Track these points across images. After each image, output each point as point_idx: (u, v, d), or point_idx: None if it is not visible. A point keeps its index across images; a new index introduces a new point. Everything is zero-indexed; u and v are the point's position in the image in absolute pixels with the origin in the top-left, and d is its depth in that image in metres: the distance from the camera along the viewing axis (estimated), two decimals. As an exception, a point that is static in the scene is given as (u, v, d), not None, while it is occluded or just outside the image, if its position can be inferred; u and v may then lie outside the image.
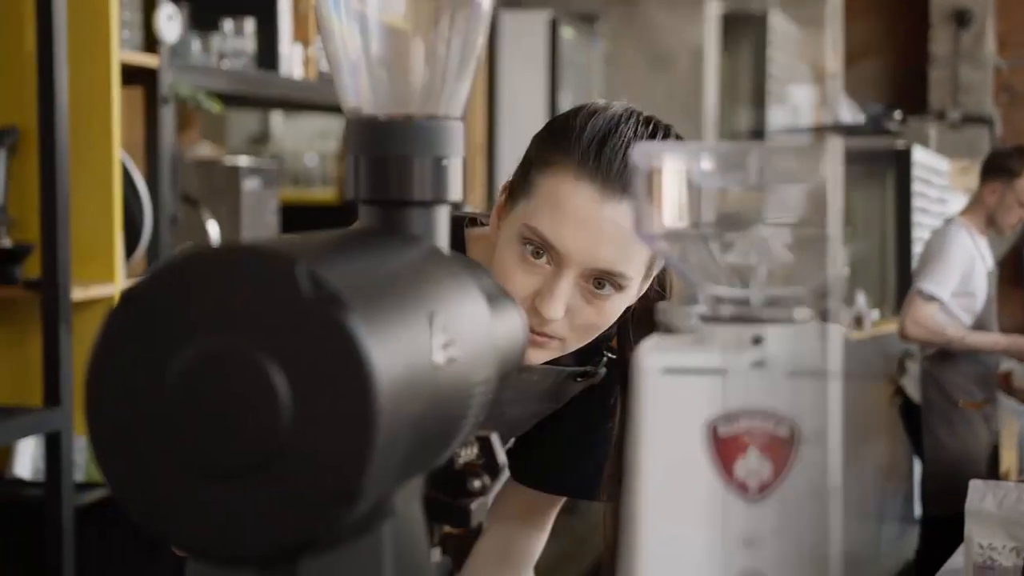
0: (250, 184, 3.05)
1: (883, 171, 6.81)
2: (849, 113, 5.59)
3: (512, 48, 5.17)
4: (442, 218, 0.84)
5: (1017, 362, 4.77)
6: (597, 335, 1.31)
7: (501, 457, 0.98)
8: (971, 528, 1.96)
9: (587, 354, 1.41)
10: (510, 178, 1.33)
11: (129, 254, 2.61)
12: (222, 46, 3.00)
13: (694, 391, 0.70)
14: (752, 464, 0.69)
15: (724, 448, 0.69)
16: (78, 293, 2.41)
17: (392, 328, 0.65)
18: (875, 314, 6.24)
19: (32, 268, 2.39)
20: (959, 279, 4.29)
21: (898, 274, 7.02)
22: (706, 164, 0.73)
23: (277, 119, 5.13)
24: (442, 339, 0.71)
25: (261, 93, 3.14)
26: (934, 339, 4.30)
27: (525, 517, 1.51)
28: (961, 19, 9.15)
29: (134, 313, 0.64)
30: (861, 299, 6.27)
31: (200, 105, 2.73)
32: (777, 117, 5.44)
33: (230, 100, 3.20)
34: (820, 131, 5.22)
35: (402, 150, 0.82)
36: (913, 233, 6.96)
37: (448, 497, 0.89)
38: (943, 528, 4.20)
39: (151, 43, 2.66)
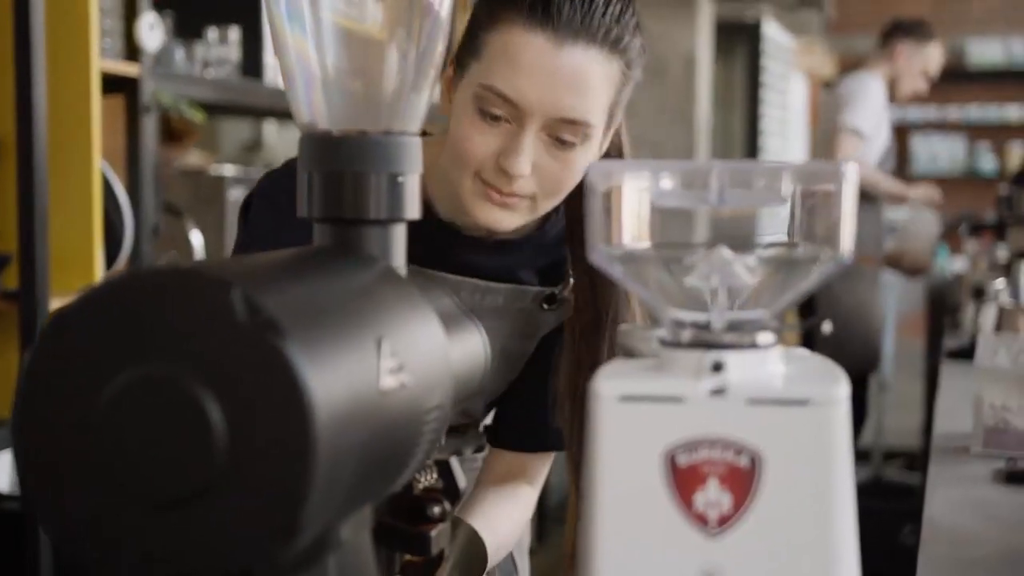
0: (236, 194, 3.03)
1: (733, 43, 6.88)
2: None
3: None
4: (399, 236, 0.81)
5: (900, 235, 4.86)
6: (565, 193, 1.28)
7: (461, 482, 0.96)
8: (981, 386, 1.85)
9: (551, 276, 1.40)
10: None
11: (110, 265, 2.58)
12: (206, 54, 2.97)
13: (652, 419, 0.67)
14: (712, 496, 0.67)
15: (683, 479, 0.67)
16: (57, 304, 2.38)
17: (335, 354, 0.63)
18: None
19: (10, 279, 2.37)
20: (875, 118, 4.41)
21: (746, 149, 7.12)
22: (666, 183, 0.70)
23: (270, 127, 5.11)
24: (391, 364, 0.68)
25: (245, 102, 3.11)
26: (865, 178, 4.42)
27: (514, 475, 1.46)
28: None
29: (66, 336, 0.61)
30: None
31: (182, 114, 2.71)
32: None
33: (214, 109, 3.18)
34: None
35: (357, 166, 0.79)
36: (759, 109, 7.08)
37: (407, 524, 0.86)
38: None
39: (133, 52, 2.64)
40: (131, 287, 0.61)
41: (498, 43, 1.22)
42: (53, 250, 2.39)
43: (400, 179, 0.80)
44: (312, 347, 0.61)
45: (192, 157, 3.52)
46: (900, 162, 9.94)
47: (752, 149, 7.20)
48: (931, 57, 4.48)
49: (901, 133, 9.95)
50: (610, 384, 0.68)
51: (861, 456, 5.52)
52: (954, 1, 9.86)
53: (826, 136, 4.55)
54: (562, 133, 1.22)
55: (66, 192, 2.45)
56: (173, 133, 3.28)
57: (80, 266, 2.46)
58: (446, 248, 1.35)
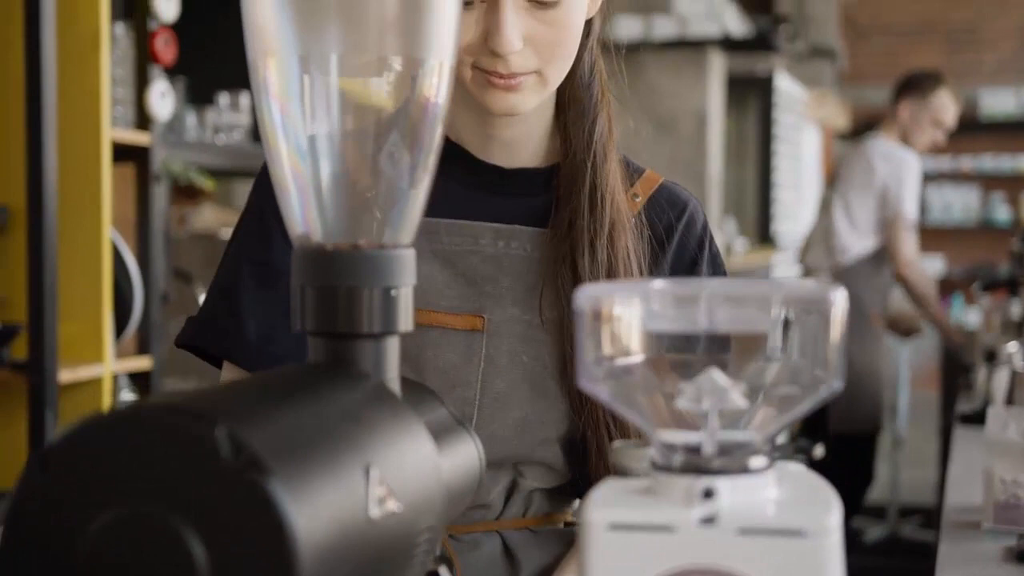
0: (246, 257, 3.02)
1: (745, 96, 6.89)
2: (736, 23, 5.54)
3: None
4: (392, 350, 0.81)
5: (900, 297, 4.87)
6: (572, 57, 1.19)
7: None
8: (991, 460, 1.80)
9: None
10: None
11: (119, 334, 2.58)
12: (217, 120, 2.99)
13: (643, 548, 0.67)
14: (702, 627, 0.66)
15: (673, 609, 0.66)
16: (66, 375, 2.39)
17: (321, 487, 0.62)
18: (743, 243, 6.27)
19: (19, 349, 2.37)
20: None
21: (759, 202, 7.11)
22: (655, 305, 0.70)
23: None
24: (380, 492, 0.68)
25: (256, 167, 3.13)
26: (921, 288, 4.45)
27: None
28: None
29: (50, 473, 0.61)
30: (731, 226, 6.28)
31: (192, 182, 2.72)
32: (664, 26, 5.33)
33: (225, 173, 3.20)
34: (705, 44, 5.22)
35: (350, 281, 0.79)
36: (772, 162, 7.08)
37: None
38: (843, 446, 4.22)
39: (144, 120, 2.65)
40: (115, 425, 0.60)
41: None
42: (63, 320, 2.40)
43: (393, 292, 0.80)
44: (298, 483, 0.60)
45: (206, 212, 3.53)
46: (914, 212, 9.94)
47: (764, 202, 7.21)
48: (939, 107, 4.46)
49: (915, 184, 9.95)
50: (600, 513, 0.67)
51: (877, 513, 5.47)
52: (966, 52, 9.89)
53: (848, 203, 4.50)
54: None
55: (76, 261, 2.46)
56: (187, 190, 3.30)
57: (90, 336, 2.47)
58: (467, 185, 1.27)
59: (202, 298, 2.97)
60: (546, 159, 1.28)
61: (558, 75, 1.19)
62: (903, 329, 4.89)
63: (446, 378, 1.21)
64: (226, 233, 3.23)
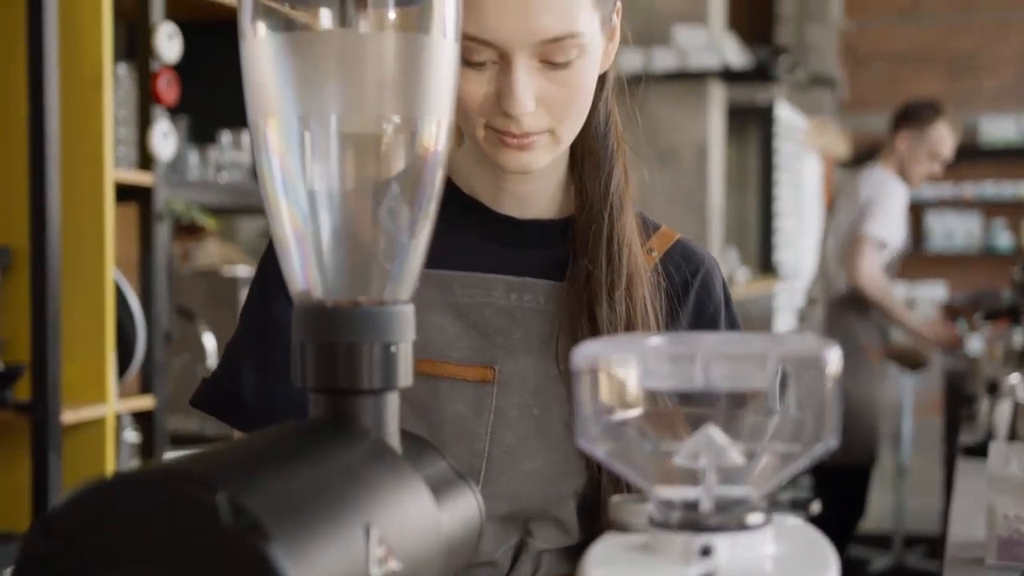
0: (248, 294, 3.04)
1: (745, 125, 6.91)
2: (736, 55, 5.55)
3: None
4: (392, 405, 0.82)
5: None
6: (585, 113, 1.18)
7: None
8: (994, 497, 1.79)
9: None
10: None
11: (122, 373, 2.59)
12: (219, 158, 3.01)
13: (641, 607, 0.67)
14: None
15: (672, 668, 0.66)
16: (69, 416, 2.39)
17: (322, 551, 0.63)
18: (745, 272, 6.27)
19: (22, 390, 2.38)
20: (896, 227, 4.41)
21: (761, 231, 7.12)
22: (651, 363, 0.71)
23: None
24: (379, 552, 0.68)
25: (259, 205, 3.14)
26: (881, 297, 4.40)
27: None
28: None
29: (52, 538, 0.62)
30: (733, 256, 6.28)
31: (194, 221, 2.74)
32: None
33: (228, 210, 3.21)
34: (705, 75, 5.22)
35: (350, 337, 0.80)
36: (773, 191, 7.09)
37: None
38: (839, 479, 4.21)
39: (147, 160, 2.67)
40: (117, 490, 0.61)
41: None
42: (66, 360, 2.40)
43: (393, 348, 0.81)
44: (298, 547, 0.61)
45: (210, 247, 3.55)
46: (916, 240, 9.98)
47: (766, 231, 7.22)
48: (936, 140, 4.46)
49: (916, 211, 9.99)
50: (599, 571, 0.68)
51: (882, 543, 5.46)
52: (967, 79, 9.92)
53: (838, 232, 4.54)
54: (552, 56, 1.13)
55: (79, 302, 2.46)
56: (190, 227, 3.32)
57: (93, 376, 2.48)
58: (481, 237, 1.27)
59: (206, 336, 2.98)
60: (560, 211, 1.28)
61: (571, 133, 1.19)
62: (910, 362, 4.89)
63: (455, 430, 1.21)
64: (229, 269, 3.24)
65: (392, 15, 0.80)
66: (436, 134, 0.83)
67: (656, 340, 0.73)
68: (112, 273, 2.50)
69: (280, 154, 0.81)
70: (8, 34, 2.43)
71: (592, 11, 1.15)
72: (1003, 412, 2.99)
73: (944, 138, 4.49)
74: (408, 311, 0.82)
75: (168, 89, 2.64)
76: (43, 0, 2.33)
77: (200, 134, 3.01)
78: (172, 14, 2.77)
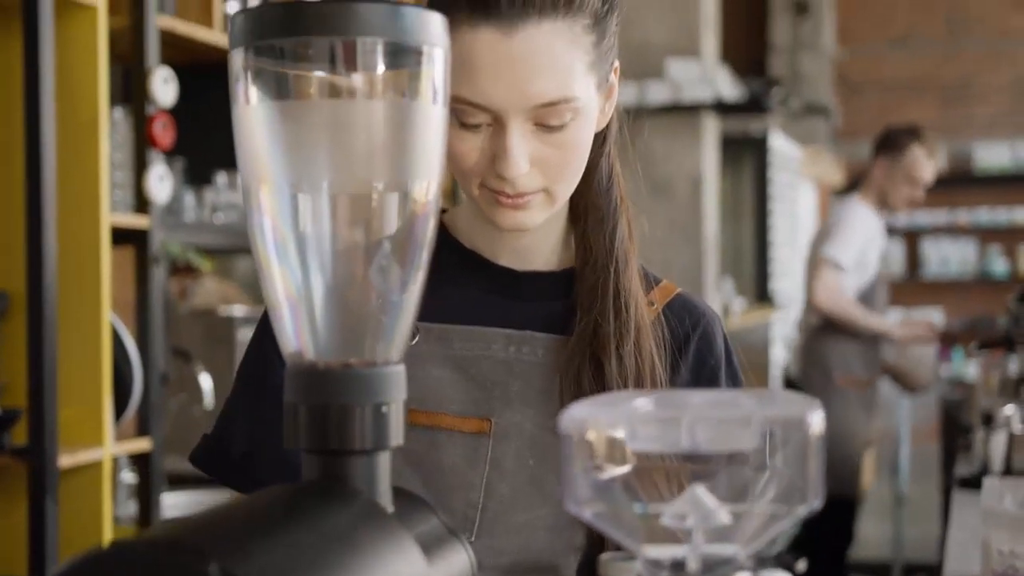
0: (246, 334, 3.05)
1: (740, 156, 6.93)
2: (729, 87, 5.58)
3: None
4: (383, 465, 0.83)
5: (899, 350, 4.78)
6: (580, 172, 1.19)
7: None
8: (988, 533, 1.79)
9: None
10: None
11: (119, 416, 2.59)
12: (215, 199, 3.02)
13: (630, 667, 0.68)
14: None
15: None
16: (66, 459, 2.40)
17: (314, 617, 0.64)
18: (741, 303, 6.28)
19: (19, 435, 2.38)
20: (858, 250, 4.37)
21: (756, 261, 7.12)
22: (639, 428, 0.72)
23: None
24: (371, 615, 0.69)
25: (254, 245, 3.15)
26: (840, 312, 4.37)
27: None
28: (800, 8, 9.35)
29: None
30: (728, 286, 6.28)
31: (190, 263, 2.75)
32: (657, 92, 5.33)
33: (224, 251, 3.23)
34: (699, 108, 5.24)
35: (342, 399, 0.81)
36: (768, 220, 7.10)
37: None
38: (825, 510, 4.17)
39: (143, 203, 2.68)
40: (110, 561, 0.62)
41: (454, 51, 1.18)
42: (62, 405, 2.41)
43: (384, 409, 0.82)
44: (290, 615, 0.62)
45: (208, 284, 3.56)
46: (912, 266, 10.00)
47: (762, 261, 7.24)
48: (911, 164, 4.43)
49: (911, 237, 10.02)
50: (588, 633, 0.69)
51: (881, 572, 5.46)
52: (960, 106, 9.96)
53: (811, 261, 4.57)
54: (547, 119, 1.14)
55: (75, 346, 2.47)
56: (187, 266, 3.33)
57: (90, 419, 2.48)
58: (481, 289, 1.28)
59: (203, 377, 2.98)
60: (560, 263, 1.29)
61: (566, 191, 1.19)
62: (908, 385, 4.88)
63: (451, 480, 1.21)
64: (225, 309, 3.25)
65: (382, 80, 0.81)
66: (426, 196, 0.84)
67: (643, 402, 0.75)
68: (108, 316, 2.52)
69: (272, 218, 0.82)
70: (5, 79, 2.45)
71: (587, 75, 1.16)
72: (998, 443, 2.99)
73: (919, 161, 4.44)
74: (399, 371, 0.83)
75: (164, 133, 2.66)
76: (40, 46, 2.35)
77: (196, 175, 3.03)
78: (167, 57, 2.80)
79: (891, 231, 9.86)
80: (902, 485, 5.66)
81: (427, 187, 0.84)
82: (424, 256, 0.85)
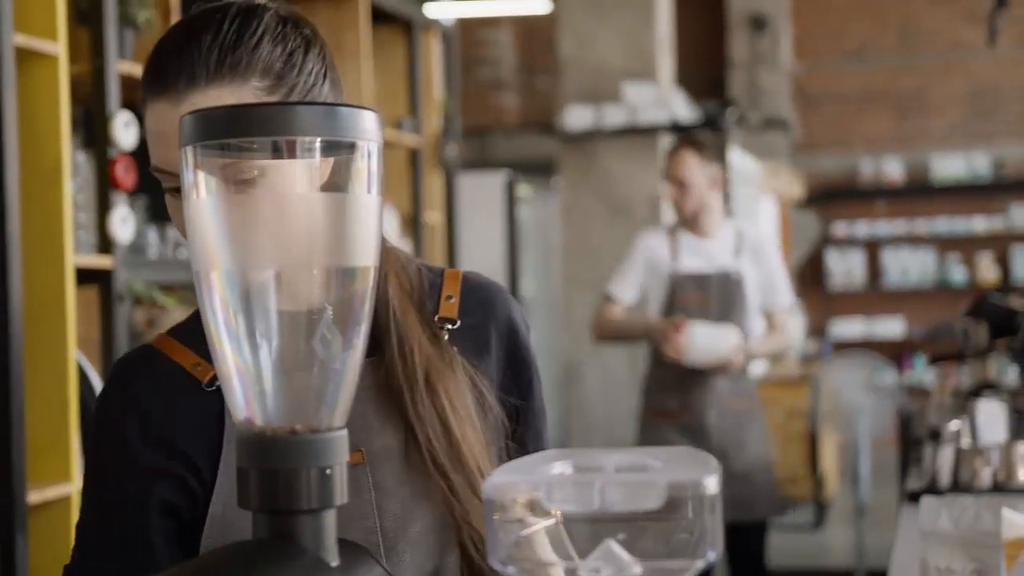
0: (209, 365, 3.10)
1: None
2: (684, 109, 5.60)
3: (471, 207, 5.31)
4: (329, 522, 0.90)
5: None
6: None
7: None
8: (926, 550, 1.86)
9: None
10: None
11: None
12: (178, 236, 3.08)
13: None
14: None
15: None
16: (34, 496, 2.45)
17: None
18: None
19: (-13, 473, 2.44)
20: (640, 280, 4.13)
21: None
22: (555, 491, 0.80)
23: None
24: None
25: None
26: (612, 333, 4.15)
27: None
28: (757, 24, 9.49)
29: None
30: None
31: (155, 302, 2.81)
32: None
33: (188, 287, 3.29)
34: (655, 130, 5.24)
35: (289, 463, 0.89)
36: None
37: None
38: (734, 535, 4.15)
39: (106, 243, 2.74)
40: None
41: (146, 121, 1.23)
42: (29, 443, 2.47)
43: (328, 471, 0.89)
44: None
45: (176, 315, 3.60)
46: (872, 276, 10.15)
47: (723, 275, 7.32)
48: (666, 164, 4.20)
49: (871, 247, 10.17)
50: None
51: (843, 580, 5.56)
52: (916, 118, 10.13)
53: None
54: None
55: (42, 385, 2.53)
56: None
57: (57, 458, 2.54)
58: None
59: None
60: None
61: None
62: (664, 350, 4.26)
63: (344, 514, 1.26)
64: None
65: (320, 174, 0.89)
66: (364, 274, 0.92)
67: (559, 467, 0.82)
68: (74, 355, 2.57)
69: (222, 298, 0.90)
70: (-31, 126, 2.51)
71: None
72: (945, 458, 3.07)
73: (670, 159, 4.16)
74: (342, 436, 0.91)
75: (126, 175, 2.73)
76: (3, 94, 2.41)
77: (158, 213, 3.09)
78: (127, 97, 2.86)
79: (852, 242, 10.06)
80: (862, 494, 5.76)
81: (365, 266, 0.92)
82: (363, 328, 0.93)
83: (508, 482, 0.80)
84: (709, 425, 4.13)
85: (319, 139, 0.87)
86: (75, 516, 2.57)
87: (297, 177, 0.89)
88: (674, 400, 4.10)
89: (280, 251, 0.88)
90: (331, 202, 0.89)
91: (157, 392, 1.28)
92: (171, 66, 1.19)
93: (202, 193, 0.88)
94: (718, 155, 4.20)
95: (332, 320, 0.91)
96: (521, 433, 1.35)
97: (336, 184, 0.89)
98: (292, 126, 0.87)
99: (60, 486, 2.53)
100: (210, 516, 1.24)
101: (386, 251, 1.31)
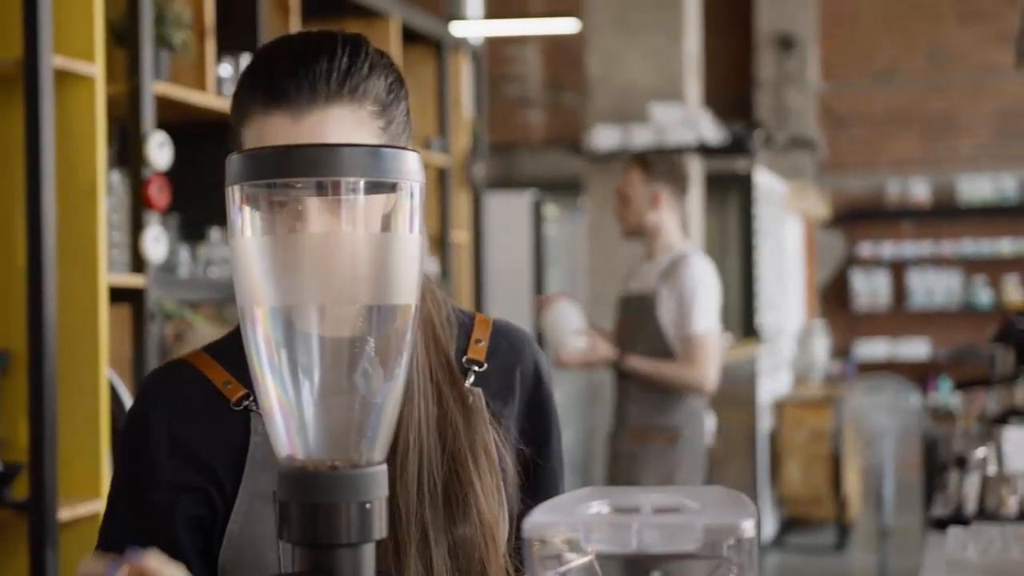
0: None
1: (725, 193, 7.02)
2: (711, 130, 5.67)
3: (498, 226, 5.32)
4: (368, 556, 0.91)
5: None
6: None
7: None
8: None
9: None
10: None
11: (116, 468, 2.68)
12: (209, 254, 3.11)
13: None
14: None
15: None
16: (65, 513, 2.48)
17: None
18: (728, 338, 6.34)
19: (19, 489, 2.46)
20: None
21: (743, 296, 7.20)
22: (593, 532, 0.81)
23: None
24: None
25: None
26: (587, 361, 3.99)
27: None
28: (785, 44, 9.46)
29: None
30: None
31: (184, 319, 2.84)
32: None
33: (218, 303, 3.32)
34: (683, 152, 5.23)
35: (330, 498, 0.90)
36: (754, 255, 7.19)
37: None
38: None
39: (139, 262, 2.77)
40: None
41: (250, 134, 1.24)
42: (62, 458, 2.49)
43: (368, 506, 0.91)
44: None
45: (203, 329, 3.63)
46: (898, 297, 10.11)
47: (748, 296, 7.33)
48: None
49: (897, 269, 10.13)
50: None
51: (868, 607, 5.54)
52: (944, 139, 10.09)
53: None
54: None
55: (74, 403, 2.55)
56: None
57: (88, 474, 2.56)
58: None
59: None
60: None
61: None
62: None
63: None
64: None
65: (363, 214, 0.91)
66: (404, 311, 0.93)
67: (596, 507, 0.84)
68: (106, 373, 2.60)
69: (265, 334, 0.92)
70: (7, 146, 2.54)
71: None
72: (972, 486, 3.06)
73: (623, 177, 4.12)
74: (381, 471, 0.92)
75: (160, 195, 2.76)
76: (41, 114, 2.44)
77: (190, 232, 3.12)
78: (162, 117, 2.89)
79: (877, 263, 10.03)
80: (886, 518, 5.75)
81: (406, 304, 0.93)
82: (403, 362, 0.94)
83: (547, 522, 0.81)
84: (614, 451, 3.98)
85: (363, 179, 0.89)
86: (105, 533, 2.60)
87: (342, 217, 0.90)
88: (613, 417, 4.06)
89: (323, 289, 0.90)
90: (374, 241, 0.91)
91: (186, 406, 1.30)
92: (290, 82, 1.21)
93: (247, 231, 0.90)
94: (672, 178, 4.05)
95: (373, 355, 0.93)
96: (534, 486, 1.35)
97: (379, 223, 0.91)
98: (337, 166, 0.89)
99: (91, 503, 2.56)
100: (228, 533, 1.26)
101: (425, 289, 1.33)
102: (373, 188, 0.90)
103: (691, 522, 0.79)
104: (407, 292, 0.92)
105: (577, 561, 0.83)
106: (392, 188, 0.91)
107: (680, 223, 4.10)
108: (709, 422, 4.03)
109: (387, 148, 0.90)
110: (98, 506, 2.58)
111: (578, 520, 0.81)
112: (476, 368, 1.32)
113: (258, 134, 1.22)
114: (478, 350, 1.34)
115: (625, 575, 0.82)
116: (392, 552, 1.24)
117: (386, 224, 0.91)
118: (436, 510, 1.25)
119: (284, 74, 1.21)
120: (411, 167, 0.91)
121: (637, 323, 3.96)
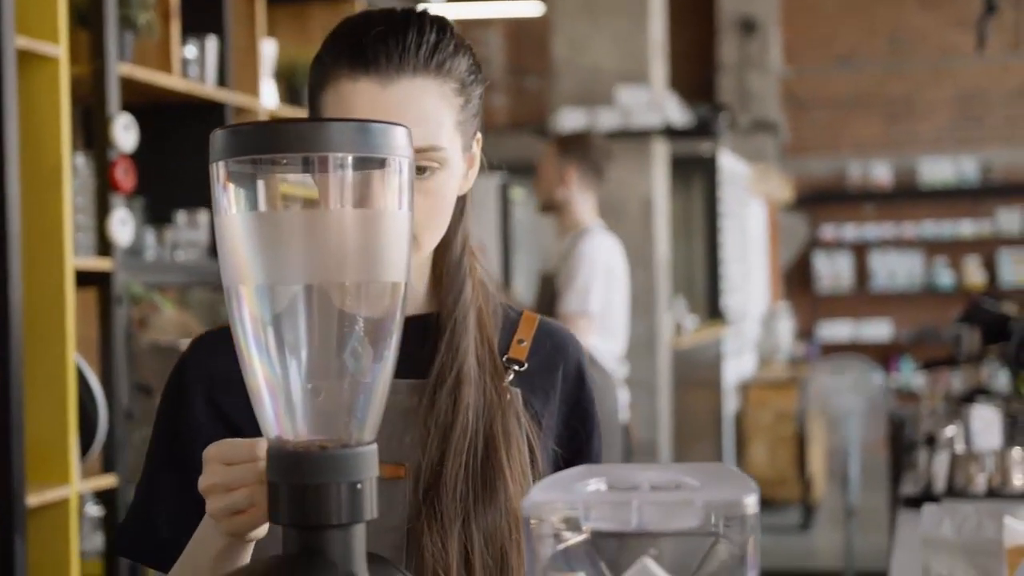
0: (205, 367, 3.09)
1: (689, 176, 7.07)
2: (677, 112, 5.71)
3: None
4: (359, 536, 0.90)
5: None
6: (445, 225, 1.26)
7: None
8: (928, 556, 1.87)
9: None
10: None
11: (84, 453, 2.65)
12: (175, 238, 3.08)
13: None
14: None
15: None
16: (33, 499, 2.45)
17: None
18: (693, 320, 6.37)
19: (-14, 476, 2.43)
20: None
21: (708, 278, 7.26)
22: (592, 510, 0.80)
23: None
24: None
25: (213, 280, 3.21)
26: None
27: None
28: (747, 28, 9.51)
29: None
30: (681, 305, 6.39)
31: (152, 302, 2.81)
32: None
33: (185, 287, 3.29)
34: (648, 133, 5.25)
35: (319, 479, 0.89)
36: (718, 237, 7.25)
37: None
38: None
39: (105, 245, 2.73)
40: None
41: (332, 99, 1.24)
42: (28, 445, 2.46)
43: (359, 486, 0.89)
44: None
45: (168, 314, 3.59)
46: (860, 279, 10.18)
47: (713, 278, 7.35)
48: None
49: (859, 251, 10.19)
50: None
51: (832, 582, 5.58)
52: (905, 122, 10.15)
53: None
54: (416, 163, 1.14)
55: (41, 386, 2.52)
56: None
57: (56, 460, 2.53)
58: None
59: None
60: (427, 307, 1.32)
61: (431, 241, 1.26)
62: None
63: (377, 524, 1.25)
64: (184, 343, 3.30)
65: (351, 190, 0.89)
66: (393, 289, 0.92)
67: (594, 485, 0.83)
68: (73, 357, 2.57)
69: (252, 313, 0.90)
70: (-31, 129, 2.50)
71: (454, 132, 1.25)
72: (941, 464, 3.07)
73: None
74: (371, 450, 0.91)
75: (125, 177, 2.72)
76: (4, 96, 2.40)
77: (156, 215, 3.08)
78: (126, 99, 2.85)
79: (840, 245, 10.09)
80: (852, 497, 5.78)
81: (395, 281, 0.92)
82: (393, 341, 0.93)
83: (546, 500, 0.80)
84: None
85: (351, 155, 0.87)
86: (74, 518, 2.57)
87: (329, 192, 0.89)
88: None
89: (311, 266, 0.89)
90: (362, 218, 0.89)
91: (226, 368, 1.27)
92: (381, 49, 1.22)
93: (232, 209, 0.88)
94: (585, 159, 4.03)
95: (363, 334, 0.91)
96: None
97: (367, 199, 0.89)
98: (324, 142, 0.87)
99: (59, 488, 2.53)
100: None
101: (476, 283, 1.32)
102: (361, 164, 0.89)
103: (690, 498, 0.78)
104: (396, 270, 0.90)
105: (575, 539, 0.82)
106: (380, 164, 0.89)
107: (593, 204, 4.10)
108: (622, 396, 3.98)
109: (375, 123, 0.89)
110: (66, 492, 2.55)
111: (577, 498, 0.80)
112: (516, 367, 1.32)
113: (342, 99, 1.22)
114: (520, 350, 1.33)
115: (624, 553, 0.81)
116: (439, 527, 1.22)
117: (374, 201, 0.89)
118: (475, 491, 1.24)
119: (376, 40, 1.22)
120: (399, 142, 0.90)
121: (543, 302, 3.97)
